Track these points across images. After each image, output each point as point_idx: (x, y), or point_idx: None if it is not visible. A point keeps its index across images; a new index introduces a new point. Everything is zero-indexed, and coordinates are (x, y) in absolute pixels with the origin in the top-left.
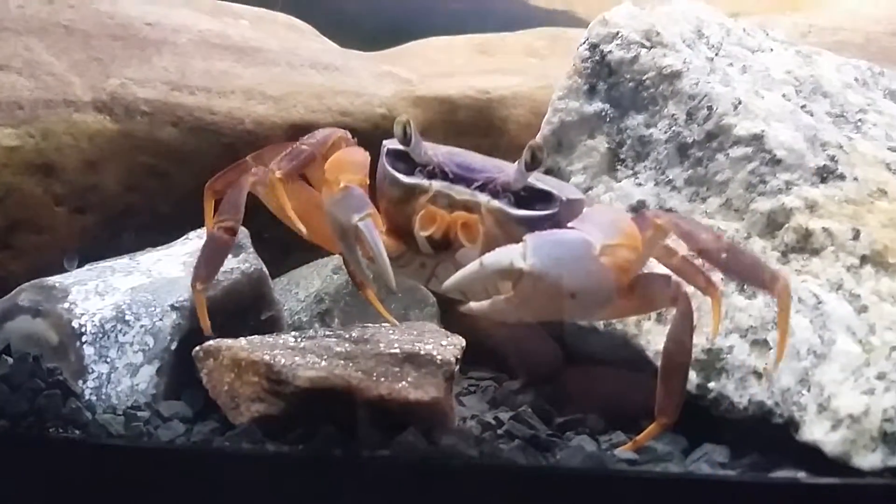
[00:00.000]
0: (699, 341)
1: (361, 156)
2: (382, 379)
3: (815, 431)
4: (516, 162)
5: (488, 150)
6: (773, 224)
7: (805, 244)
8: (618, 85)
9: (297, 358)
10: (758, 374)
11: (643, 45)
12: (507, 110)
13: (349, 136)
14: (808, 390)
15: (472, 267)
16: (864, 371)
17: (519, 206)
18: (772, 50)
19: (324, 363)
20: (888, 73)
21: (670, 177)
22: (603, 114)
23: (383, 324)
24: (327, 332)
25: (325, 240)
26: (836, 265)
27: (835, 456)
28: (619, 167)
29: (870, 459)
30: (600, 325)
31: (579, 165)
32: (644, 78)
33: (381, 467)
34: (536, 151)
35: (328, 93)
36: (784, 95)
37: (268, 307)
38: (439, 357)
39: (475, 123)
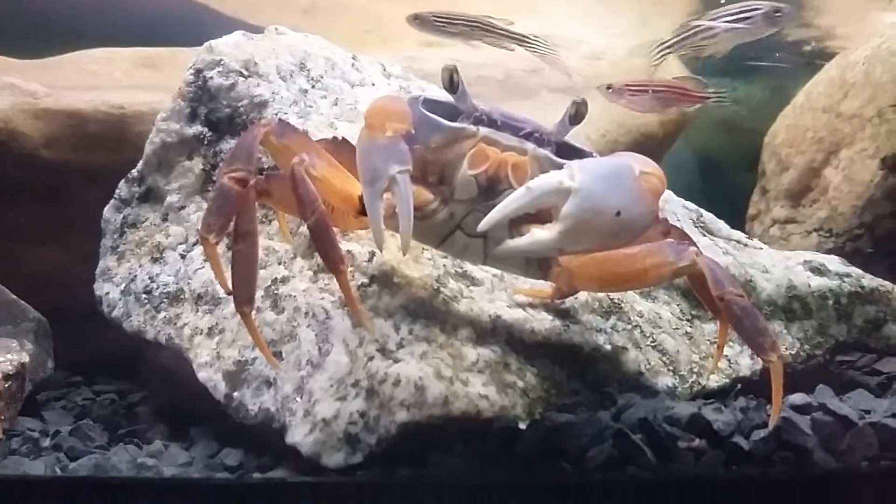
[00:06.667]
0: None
1: (406, 107)
2: None
3: (297, 434)
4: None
5: (122, 165)
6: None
7: None
8: (216, 110)
9: None
10: (268, 383)
11: (241, 74)
12: (143, 126)
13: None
14: (301, 397)
15: (518, 192)
16: (346, 379)
17: (559, 157)
18: (373, 84)
19: None
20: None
21: None
22: (201, 136)
23: None
24: None
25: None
26: (350, 283)
27: (309, 456)
28: (210, 188)
29: (335, 458)
30: (163, 339)
31: (175, 185)
32: (239, 105)
33: None
34: (581, 106)
35: None
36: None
37: None
38: None
39: (107, 138)
